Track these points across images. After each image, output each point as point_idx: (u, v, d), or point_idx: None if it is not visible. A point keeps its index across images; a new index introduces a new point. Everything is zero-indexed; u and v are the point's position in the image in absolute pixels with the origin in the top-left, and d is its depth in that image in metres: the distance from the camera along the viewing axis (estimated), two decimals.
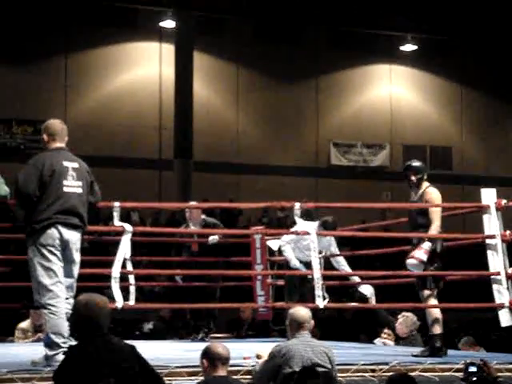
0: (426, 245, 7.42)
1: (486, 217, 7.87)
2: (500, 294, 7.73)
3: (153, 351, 7.96)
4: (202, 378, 5.46)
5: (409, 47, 24.73)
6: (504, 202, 7.81)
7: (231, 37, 23.68)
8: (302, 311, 6.05)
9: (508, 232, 7.79)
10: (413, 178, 7.67)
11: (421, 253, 7.39)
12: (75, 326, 4.68)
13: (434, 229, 7.46)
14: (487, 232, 7.84)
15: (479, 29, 24.53)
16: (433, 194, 7.61)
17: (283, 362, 5.74)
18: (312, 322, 6.05)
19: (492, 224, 7.82)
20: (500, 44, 25.51)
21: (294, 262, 8.98)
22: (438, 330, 7.44)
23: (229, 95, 24.07)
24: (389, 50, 24.86)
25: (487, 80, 25.62)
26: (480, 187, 8.10)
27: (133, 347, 4.65)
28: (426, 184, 7.69)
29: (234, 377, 5.84)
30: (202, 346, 5.48)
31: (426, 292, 7.50)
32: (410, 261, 7.45)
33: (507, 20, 24.25)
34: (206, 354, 5.25)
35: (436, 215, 7.51)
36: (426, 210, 7.55)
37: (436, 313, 7.47)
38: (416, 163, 7.80)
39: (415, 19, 23.20)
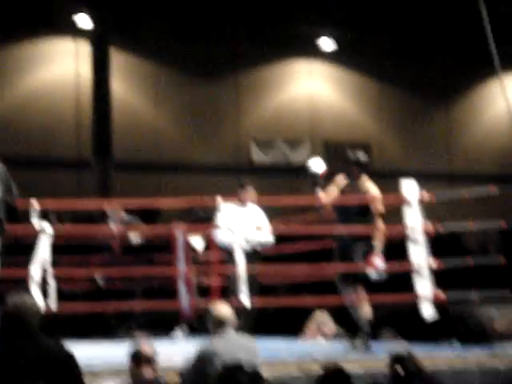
0: (378, 248, 7.44)
1: (407, 209, 7.93)
2: (422, 287, 7.80)
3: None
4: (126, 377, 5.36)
5: (327, 43, 24.88)
6: (426, 195, 7.88)
7: (149, 34, 23.43)
8: (223, 308, 5.99)
9: (429, 224, 7.87)
10: (356, 170, 7.69)
11: (378, 260, 7.41)
12: (3, 325, 4.55)
13: (379, 225, 7.48)
14: (409, 225, 7.89)
15: (396, 25, 24.83)
16: (373, 189, 7.63)
17: (208, 363, 5.66)
18: (234, 319, 5.98)
19: (414, 216, 7.88)
20: (417, 40, 25.88)
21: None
22: (366, 325, 7.48)
23: (148, 93, 23.83)
24: (307, 46, 24.96)
25: (405, 76, 25.96)
26: (399, 182, 8.14)
27: (70, 355, 4.51)
28: (364, 178, 7.69)
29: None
30: (125, 345, 5.37)
31: (357, 286, 7.52)
32: (374, 274, 7.45)
33: (423, 16, 24.61)
34: (133, 354, 5.15)
35: (379, 211, 7.53)
36: (365, 206, 7.56)
37: (368, 309, 7.50)
38: (364, 157, 7.83)
39: (333, 15, 23.35)
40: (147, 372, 5.11)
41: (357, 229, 7.54)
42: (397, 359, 5.54)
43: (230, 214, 8.34)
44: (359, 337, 7.38)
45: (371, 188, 7.59)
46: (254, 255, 8.02)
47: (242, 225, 8.20)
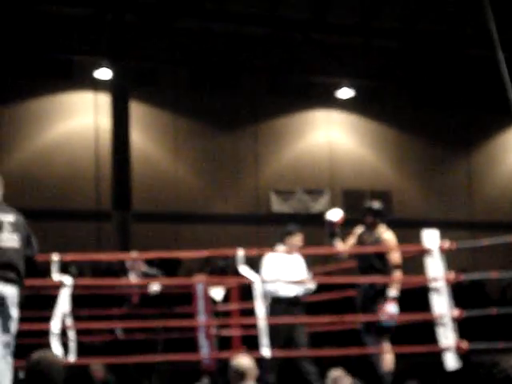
0: (392, 294, 7.36)
1: (429, 259, 7.86)
2: (445, 337, 7.70)
3: None
4: None
5: (345, 93, 24.98)
6: (447, 243, 7.82)
7: (167, 85, 23.66)
8: (243, 360, 5.94)
9: (452, 274, 7.78)
10: (370, 219, 7.66)
11: (391, 307, 7.34)
12: (27, 381, 4.54)
13: (399, 274, 7.43)
14: (431, 274, 7.82)
15: (415, 74, 24.95)
16: (390, 240, 7.60)
17: None
18: (256, 370, 5.92)
19: (436, 266, 7.81)
20: (436, 89, 25.96)
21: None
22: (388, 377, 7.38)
23: (167, 144, 23.97)
24: (325, 95, 25.07)
25: (424, 124, 26.00)
26: (420, 230, 8.09)
27: None
28: (383, 228, 7.66)
29: None
30: None
31: (382, 337, 7.44)
32: (386, 321, 7.39)
33: (443, 65, 24.72)
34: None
35: (398, 260, 7.49)
36: (383, 253, 7.51)
37: (390, 359, 7.40)
38: (376, 205, 7.80)
39: (351, 65, 23.50)
40: None
41: (374, 278, 7.50)
42: None
43: (276, 264, 8.27)
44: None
45: (387, 237, 7.55)
46: (299, 303, 7.95)
47: (290, 273, 8.13)
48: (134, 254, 10.54)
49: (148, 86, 23.34)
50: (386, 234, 7.62)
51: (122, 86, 21.27)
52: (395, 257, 7.48)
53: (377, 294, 7.55)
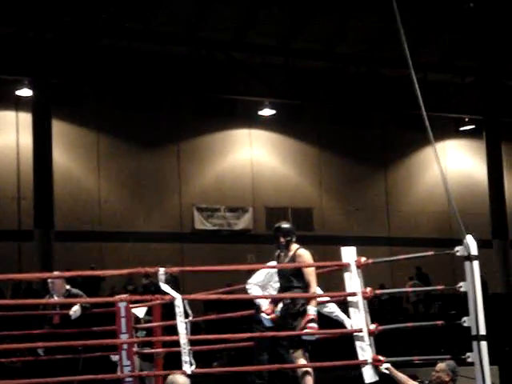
0: (312, 310, 7.50)
1: (346, 275, 8.02)
2: (363, 351, 7.85)
3: None
4: None
5: (267, 112, 25.27)
6: (363, 259, 7.99)
7: (90, 104, 23.56)
8: (180, 379, 6.00)
9: (368, 289, 7.96)
10: (282, 239, 7.80)
11: (313, 323, 7.47)
12: None
13: (313, 289, 7.57)
14: (348, 290, 7.98)
15: (333, 93, 25.37)
16: (305, 255, 7.74)
17: None
18: None
19: (353, 281, 7.98)
20: (354, 108, 26.44)
21: (266, 307, 8.12)
22: None
23: (90, 163, 23.84)
24: (248, 114, 25.32)
25: (343, 143, 26.45)
26: (340, 246, 8.26)
27: None
28: (295, 246, 7.81)
29: None
30: None
31: (296, 352, 7.55)
32: (307, 337, 7.52)
33: (360, 85, 25.19)
34: None
35: (312, 277, 7.63)
36: (299, 271, 7.65)
37: (310, 377, 7.51)
38: (285, 225, 7.93)
39: (272, 85, 23.79)
40: None
41: (292, 294, 7.65)
42: None
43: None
44: None
45: (300, 253, 7.71)
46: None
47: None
48: (55, 274, 10.46)
49: (70, 104, 23.20)
50: (300, 250, 7.78)
51: (43, 105, 21.10)
52: (312, 272, 7.64)
53: (296, 310, 7.69)
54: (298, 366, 7.59)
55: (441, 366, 8.13)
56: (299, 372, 7.57)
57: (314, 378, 7.55)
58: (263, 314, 7.81)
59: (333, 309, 8.65)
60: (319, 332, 7.51)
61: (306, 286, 7.65)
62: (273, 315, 7.87)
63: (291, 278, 7.73)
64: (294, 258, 7.78)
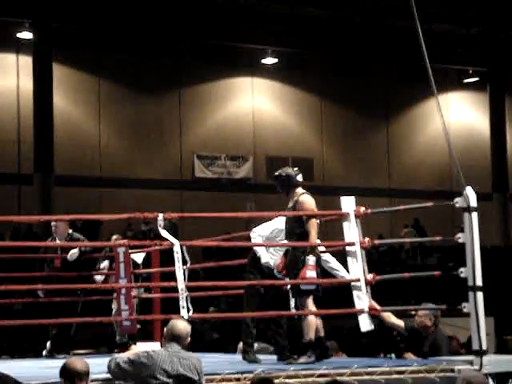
0: (311, 260, 7.47)
1: (345, 224, 8.02)
2: (360, 300, 7.90)
3: (10, 369, 7.75)
4: None
5: (270, 60, 25.10)
6: (362, 209, 7.98)
7: (91, 49, 23.38)
8: (180, 324, 6.09)
9: (367, 239, 7.97)
10: (282, 186, 7.75)
11: (311, 272, 7.46)
12: None
13: (312, 238, 7.52)
14: (347, 239, 8.00)
15: (338, 43, 25.18)
16: (305, 202, 7.63)
17: (148, 370, 5.77)
18: (188, 338, 6.07)
19: (351, 231, 7.99)
20: (358, 58, 26.27)
21: (266, 259, 8.12)
22: (311, 336, 7.53)
23: (90, 108, 23.76)
24: (250, 63, 25.16)
25: (345, 93, 26.32)
26: (340, 197, 8.24)
27: None
28: (300, 191, 7.71)
29: None
30: (61, 362, 5.41)
31: (304, 299, 7.58)
32: (304, 287, 7.52)
33: (365, 35, 24.99)
34: (63, 371, 5.20)
35: (311, 224, 7.56)
36: (301, 218, 7.61)
37: (311, 320, 7.55)
38: (284, 172, 7.83)
39: (275, 33, 23.59)
40: None
41: (292, 243, 7.64)
42: None
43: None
44: (304, 351, 7.43)
45: (302, 199, 7.64)
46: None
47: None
48: (56, 216, 10.53)
49: (72, 48, 23.03)
50: (302, 197, 7.69)
51: (44, 48, 20.98)
52: (311, 220, 7.59)
53: (297, 259, 7.68)
54: (292, 314, 7.64)
55: (423, 311, 8.22)
56: (302, 317, 7.63)
57: (316, 322, 7.57)
58: (275, 271, 7.77)
59: (329, 259, 8.63)
60: (316, 281, 7.52)
61: (306, 234, 7.61)
62: (284, 271, 7.83)
63: (294, 224, 7.68)
64: (295, 205, 7.71)
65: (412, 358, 8.73)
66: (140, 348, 6.50)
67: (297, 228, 7.60)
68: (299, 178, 7.76)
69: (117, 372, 5.92)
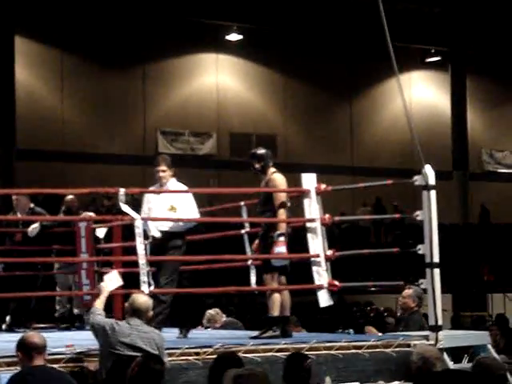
0: (280, 237, 7.57)
1: (306, 201, 8.11)
2: (319, 276, 8.00)
3: None
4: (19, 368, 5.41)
5: (234, 37, 25.05)
6: (323, 186, 8.08)
7: (54, 21, 23.14)
8: (140, 299, 6.20)
9: (327, 215, 8.06)
10: (256, 165, 7.85)
11: (280, 248, 7.55)
12: None
13: (281, 216, 7.62)
14: (308, 216, 8.08)
15: (301, 20, 25.16)
16: (275, 180, 7.78)
17: (112, 339, 5.96)
18: (150, 312, 6.16)
19: (312, 208, 8.07)
20: (321, 36, 26.28)
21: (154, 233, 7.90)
22: (276, 312, 7.62)
23: (53, 82, 23.56)
24: (215, 39, 25.08)
25: (309, 71, 26.35)
26: (303, 174, 8.33)
27: None
28: (272, 170, 7.85)
29: (56, 365, 5.81)
30: (19, 336, 5.44)
31: (267, 275, 7.68)
32: (275, 262, 7.61)
33: (328, 13, 24.99)
34: (21, 344, 5.24)
35: (280, 201, 7.68)
36: (271, 195, 7.72)
37: (276, 296, 7.64)
38: (260, 151, 7.96)
39: (240, 9, 23.53)
40: (38, 362, 5.20)
41: (262, 219, 7.74)
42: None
43: (147, 200, 8.25)
44: (269, 326, 7.51)
45: (274, 177, 7.75)
46: (168, 239, 7.89)
47: (154, 207, 8.06)
48: (15, 190, 10.50)
49: (34, 21, 22.76)
50: (273, 175, 7.83)
51: (6, 21, 20.74)
52: (280, 196, 7.69)
53: (266, 234, 7.78)
54: (253, 290, 7.71)
55: (407, 292, 8.34)
56: (268, 293, 7.72)
57: (282, 298, 7.67)
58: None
59: None
60: (282, 256, 7.61)
61: (273, 212, 7.71)
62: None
63: (265, 202, 7.80)
64: (267, 183, 7.84)
65: (373, 332, 8.88)
66: (107, 283, 6.60)
67: (269, 206, 7.72)
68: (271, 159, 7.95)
69: (91, 329, 6.16)
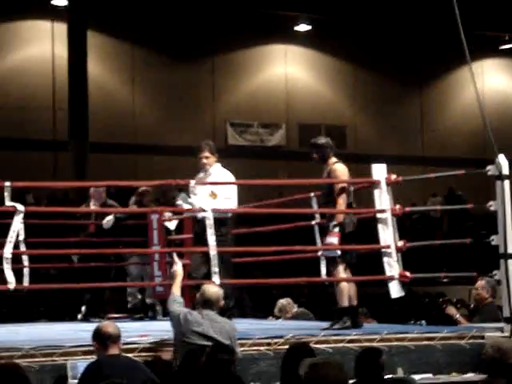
0: (334, 227, 7.56)
1: (376, 192, 8.05)
2: (390, 267, 7.95)
3: (48, 332, 7.91)
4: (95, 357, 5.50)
5: (303, 27, 24.96)
6: (393, 176, 8.01)
7: (126, 15, 23.41)
8: (211, 289, 6.25)
9: (398, 206, 8.00)
10: (314, 155, 7.82)
11: (331, 239, 7.55)
12: None
13: (339, 206, 7.60)
14: (378, 206, 8.03)
15: (372, 10, 24.94)
16: (336, 170, 7.74)
17: (184, 329, 6.02)
18: (221, 301, 6.20)
19: (383, 198, 8.02)
20: (393, 25, 26.00)
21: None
22: (345, 302, 7.61)
23: (124, 75, 23.85)
24: (284, 30, 25.04)
25: (380, 61, 26.12)
26: (373, 164, 8.27)
27: None
28: (332, 160, 7.81)
29: (130, 355, 5.90)
30: (95, 326, 5.54)
31: (336, 266, 7.66)
32: (326, 253, 7.62)
33: (399, 2, 24.72)
34: (96, 334, 5.33)
35: (340, 193, 7.64)
36: (333, 186, 7.70)
37: (343, 286, 7.62)
38: (319, 140, 7.93)
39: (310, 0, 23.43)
40: (113, 351, 5.27)
41: (323, 210, 7.75)
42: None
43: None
44: (339, 317, 7.50)
45: (335, 167, 7.72)
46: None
47: (200, 193, 8.03)
48: (92, 183, 10.68)
49: (106, 15, 23.06)
50: (335, 165, 7.78)
51: (79, 15, 21.04)
52: (338, 188, 7.66)
53: (326, 225, 7.76)
54: (322, 280, 7.69)
55: (481, 283, 8.22)
56: (335, 284, 7.72)
57: (349, 290, 7.63)
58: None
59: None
60: (334, 247, 7.58)
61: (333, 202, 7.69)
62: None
63: (328, 193, 7.78)
64: (329, 174, 7.80)
65: (453, 312, 8.71)
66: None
67: (331, 197, 7.70)
68: (334, 148, 7.90)
69: (169, 316, 6.28)
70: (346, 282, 7.61)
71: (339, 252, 7.60)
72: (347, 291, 7.60)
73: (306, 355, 5.10)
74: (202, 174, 8.16)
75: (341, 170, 7.72)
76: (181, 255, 9.92)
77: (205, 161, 7.99)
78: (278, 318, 10.11)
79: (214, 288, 6.38)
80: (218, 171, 8.05)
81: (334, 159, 7.81)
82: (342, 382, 4.01)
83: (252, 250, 7.97)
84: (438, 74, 27.24)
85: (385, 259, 7.95)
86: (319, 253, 8.40)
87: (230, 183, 8.10)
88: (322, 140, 7.93)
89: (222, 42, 24.57)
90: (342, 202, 7.61)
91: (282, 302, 10.08)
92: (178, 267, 6.73)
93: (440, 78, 27.37)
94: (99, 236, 9.68)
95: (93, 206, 9.98)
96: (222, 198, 7.85)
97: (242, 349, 6.37)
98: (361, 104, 26.38)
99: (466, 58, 7.25)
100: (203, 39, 24.32)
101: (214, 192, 7.86)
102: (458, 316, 8.45)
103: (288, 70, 25.78)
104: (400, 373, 6.44)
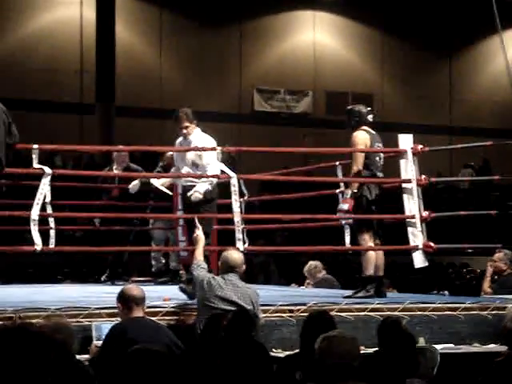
0: (349, 194, 7.58)
1: (402, 161, 8.03)
2: (414, 237, 7.94)
3: (73, 294, 7.99)
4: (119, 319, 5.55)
5: None
6: (420, 147, 7.98)
7: None
8: (234, 254, 6.27)
9: (423, 176, 7.97)
10: (347, 121, 7.83)
11: (343, 205, 7.57)
12: None
13: (353, 173, 7.61)
14: (404, 176, 8.01)
15: None
16: (354, 137, 7.73)
17: (207, 294, 6.06)
18: (243, 266, 6.24)
19: (408, 168, 7.99)
20: None
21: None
22: (370, 271, 7.62)
23: (152, 39, 23.79)
24: None
25: (409, 28, 25.85)
26: (399, 134, 8.23)
27: None
28: (358, 128, 7.81)
29: (154, 318, 5.95)
30: (119, 288, 5.58)
31: (361, 235, 7.68)
32: (341, 218, 7.66)
33: None
34: (121, 296, 5.37)
35: (354, 159, 7.64)
36: (348, 153, 7.72)
37: (370, 255, 7.63)
38: (352, 107, 7.94)
39: None
40: (137, 313, 5.32)
41: (343, 177, 7.77)
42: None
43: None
44: (363, 285, 7.52)
45: (355, 137, 7.69)
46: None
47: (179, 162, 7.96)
48: (119, 147, 10.70)
49: None
50: (356, 133, 7.77)
51: None
52: (356, 156, 7.65)
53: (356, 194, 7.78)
54: (346, 249, 7.69)
55: (499, 255, 8.22)
56: (362, 252, 7.74)
57: (376, 258, 7.64)
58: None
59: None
60: (343, 216, 7.59)
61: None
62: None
63: (351, 159, 7.79)
64: (351, 141, 7.82)
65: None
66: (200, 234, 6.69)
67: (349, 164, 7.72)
68: (369, 117, 7.84)
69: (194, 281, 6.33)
70: (374, 252, 7.62)
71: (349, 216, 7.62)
72: (373, 260, 7.61)
73: (326, 323, 5.11)
74: (181, 139, 8.03)
75: (358, 137, 7.72)
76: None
77: (184, 131, 7.86)
78: (300, 285, 10.13)
79: (236, 253, 6.42)
80: (198, 137, 7.90)
81: (363, 127, 7.79)
82: (354, 356, 4.03)
83: (277, 218, 7.96)
84: (468, 43, 26.93)
85: (409, 229, 7.94)
86: (343, 221, 8.40)
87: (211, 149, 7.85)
88: (355, 108, 7.92)
89: (249, 7, 24.42)
90: (356, 168, 7.61)
91: (312, 263, 10.01)
92: (200, 232, 6.75)
93: (470, 47, 27.06)
94: (122, 200, 9.71)
95: (115, 170, 10.00)
96: (204, 165, 7.72)
97: (264, 315, 6.40)
98: (389, 72, 26.18)
99: (496, 26, 7.17)
100: (231, 4, 24.19)
101: (195, 161, 7.71)
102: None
103: (316, 36, 25.60)
104: (422, 342, 6.44)
